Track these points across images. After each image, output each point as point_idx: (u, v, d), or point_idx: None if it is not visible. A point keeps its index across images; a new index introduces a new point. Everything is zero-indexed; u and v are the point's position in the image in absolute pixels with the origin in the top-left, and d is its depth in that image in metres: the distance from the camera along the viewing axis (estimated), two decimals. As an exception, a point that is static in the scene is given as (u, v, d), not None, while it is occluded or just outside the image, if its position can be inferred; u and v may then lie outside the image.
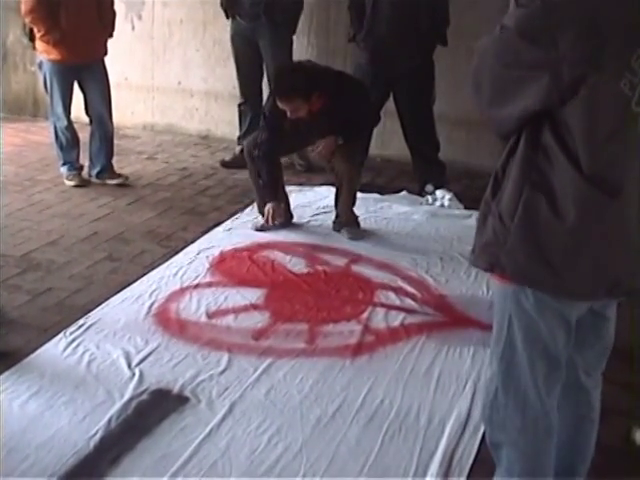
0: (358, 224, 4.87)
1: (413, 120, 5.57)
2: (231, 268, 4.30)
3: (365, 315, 3.81)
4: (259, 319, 3.74)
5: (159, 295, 3.93)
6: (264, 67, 5.99)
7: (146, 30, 7.08)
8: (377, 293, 4.05)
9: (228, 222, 5.00)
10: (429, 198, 5.47)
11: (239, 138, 6.23)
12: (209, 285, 4.08)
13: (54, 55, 5.31)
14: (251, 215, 5.05)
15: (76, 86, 5.55)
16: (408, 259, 4.47)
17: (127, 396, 3.06)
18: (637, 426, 2.93)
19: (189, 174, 6.06)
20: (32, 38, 5.40)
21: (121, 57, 6.57)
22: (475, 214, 2.10)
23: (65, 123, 5.52)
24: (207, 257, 4.41)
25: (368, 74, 5.34)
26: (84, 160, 5.74)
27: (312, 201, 5.37)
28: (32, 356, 3.34)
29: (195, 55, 6.98)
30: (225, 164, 6.22)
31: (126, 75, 7.09)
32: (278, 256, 4.47)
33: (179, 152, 6.68)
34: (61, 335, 3.51)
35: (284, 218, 4.83)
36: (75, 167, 5.68)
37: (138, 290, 3.99)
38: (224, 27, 6.15)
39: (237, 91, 6.23)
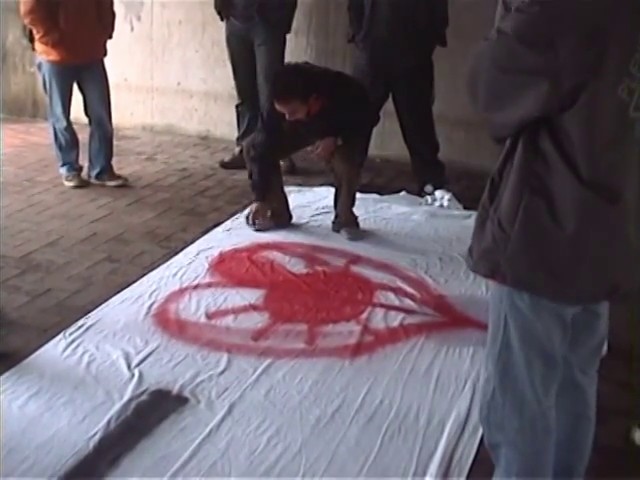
0: (357, 224, 4.87)
1: (412, 120, 5.57)
2: (230, 269, 4.31)
3: (364, 315, 3.81)
4: (258, 319, 3.74)
5: (158, 296, 3.93)
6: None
7: (145, 31, 7.08)
8: (376, 293, 4.05)
9: (227, 223, 5.00)
10: (428, 198, 5.48)
11: (238, 139, 6.24)
12: (208, 286, 4.08)
13: (53, 56, 5.31)
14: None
15: (75, 87, 5.55)
16: (407, 259, 4.47)
17: (126, 397, 3.06)
18: (637, 426, 2.93)
19: (188, 175, 6.06)
20: (31, 39, 5.40)
21: (120, 58, 6.57)
22: (474, 214, 2.10)
23: (64, 124, 5.52)
24: (206, 258, 4.41)
25: (367, 75, 5.34)
26: (83, 161, 5.73)
27: (311, 201, 5.37)
28: (32, 357, 3.35)
29: (194, 56, 6.98)
30: (224, 165, 6.22)
31: (125, 76, 7.09)
32: (277, 256, 4.47)
33: (178, 153, 6.68)
34: (61, 336, 3.51)
35: (267, 221, 4.80)
36: (74, 168, 5.68)
37: (138, 291, 3.99)
38: (223, 28, 6.15)
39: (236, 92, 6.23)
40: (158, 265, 4.32)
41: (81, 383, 3.16)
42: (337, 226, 4.87)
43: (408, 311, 3.87)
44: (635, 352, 3.44)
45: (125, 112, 7.04)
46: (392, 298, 4.00)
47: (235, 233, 4.81)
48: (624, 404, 3.10)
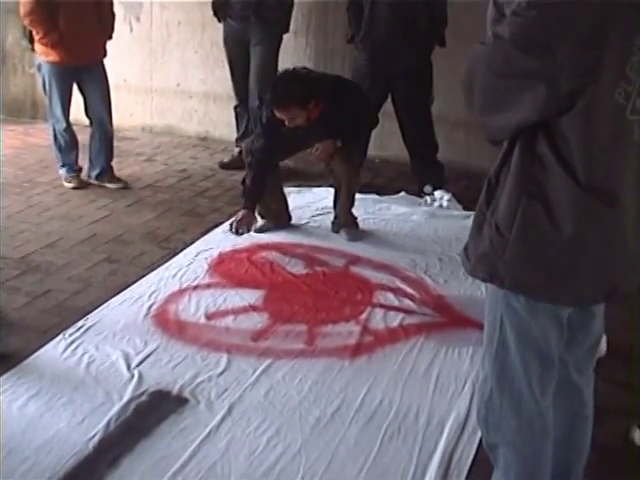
0: (357, 225, 4.87)
1: (412, 121, 5.57)
2: (230, 269, 4.31)
3: (364, 316, 3.81)
4: (258, 320, 3.74)
5: (158, 296, 3.94)
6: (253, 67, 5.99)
7: (144, 32, 7.08)
8: (376, 294, 4.05)
9: (227, 223, 4.98)
10: (428, 199, 5.48)
11: (237, 140, 6.24)
12: (208, 286, 4.08)
13: (53, 57, 5.31)
14: (250, 216, 5.05)
15: (75, 88, 5.55)
16: (407, 260, 4.48)
17: (126, 397, 3.06)
18: (636, 426, 2.93)
19: (188, 176, 6.07)
20: (31, 40, 5.40)
21: (119, 59, 6.57)
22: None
23: (64, 125, 5.52)
24: (206, 258, 4.42)
25: (366, 75, 5.35)
26: (83, 162, 5.74)
27: (311, 202, 5.37)
28: (31, 358, 3.35)
29: (194, 57, 6.99)
30: (224, 165, 6.22)
31: (125, 77, 7.09)
32: (277, 257, 4.47)
33: (178, 154, 6.68)
34: (60, 337, 3.51)
35: (251, 229, 4.75)
36: (74, 169, 5.68)
37: (137, 292, 3.99)
38: (222, 29, 6.15)
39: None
40: (158, 266, 4.32)
41: (81, 384, 3.16)
42: (336, 227, 4.87)
43: (407, 311, 3.87)
44: (635, 352, 3.44)
45: (124, 113, 7.04)
46: (391, 298, 4.01)
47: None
48: (623, 404, 3.10)
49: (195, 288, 4.05)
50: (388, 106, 5.54)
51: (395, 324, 3.74)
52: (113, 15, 5.59)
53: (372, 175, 6.00)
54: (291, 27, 6.24)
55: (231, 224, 4.73)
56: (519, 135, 1.90)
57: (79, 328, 3.59)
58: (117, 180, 5.71)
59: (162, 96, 7.23)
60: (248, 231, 4.70)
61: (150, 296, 3.93)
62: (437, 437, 2.89)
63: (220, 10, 5.95)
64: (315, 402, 3.09)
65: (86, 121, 5.69)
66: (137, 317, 3.73)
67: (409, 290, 4.10)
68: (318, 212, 5.20)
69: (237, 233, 4.67)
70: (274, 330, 3.65)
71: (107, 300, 3.89)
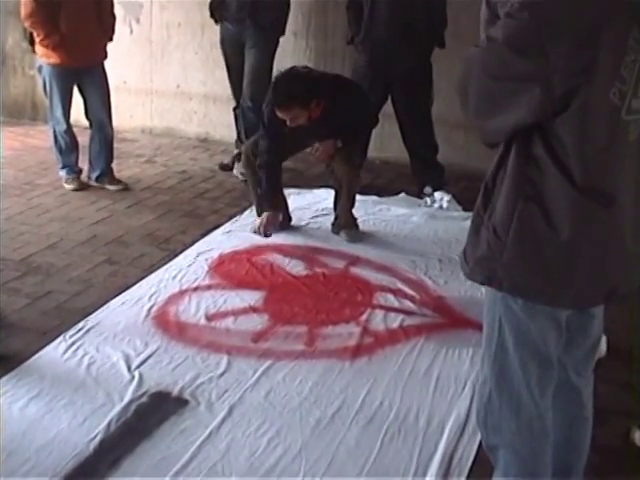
0: (357, 226, 4.87)
1: (411, 122, 5.57)
2: (230, 271, 4.31)
3: (364, 317, 3.81)
4: (258, 321, 3.74)
5: (158, 298, 3.94)
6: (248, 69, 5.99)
7: (144, 33, 7.08)
8: (376, 295, 4.06)
9: (227, 225, 5.00)
10: (428, 200, 5.48)
11: (236, 141, 6.24)
12: (208, 288, 4.09)
13: (54, 59, 5.32)
14: (250, 218, 5.05)
15: (76, 90, 5.55)
16: (407, 261, 4.48)
17: (127, 399, 3.06)
18: (636, 427, 2.93)
19: (188, 177, 6.07)
20: (32, 42, 5.40)
21: (119, 60, 6.56)
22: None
23: (64, 127, 5.53)
24: (206, 260, 4.42)
25: (366, 76, 5.35)
26: (83, 164, 5.74)
27: (311, 203, 5.38)
28: (32, 359, 3.35)
29: (194, 58, 6.99)
30: (224, 167, 6.22)
31: (125, 78, 7.09)
32: (277, 258, 4.48)
33: (178, 155, 6.69)
34: (61, 338, 3.51)
35: (277, 228, 4.79)
36: (74, 171, 5.69)
37: (137, 293, 3.99)
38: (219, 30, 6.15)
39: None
40: (158, 267, 4.32)
41: (81, 385, 3.17)
42: (337, 228, 4.87)
43: (408, 312, 3.87)
44: (635, 353, 3.45)
45: (124, 115, 7.04)
46: (392, 300, 4.01)
47: (235, 235, 4.82)
48: (624, 404, 3.10)
49: (195, 289, 4.05)
50: (388, 107, 5.54)
51: (395, 325, 3.74)
52: (114, 17, 5.59)
53: (372, 176, 6.00)
54: (291, 28, 6.24)
55: (257, 228, 4.74)
56: (515, 137, 1.89)
57: (79, 329, 3.59)
58: (117, 182, 5.71)
59: (162, 98, 7.23)
60: (276, 231, 4.74)
61: (150, 297, 3.94)
62: (437, 438, 2.89)
63: (217, 12, 5.94)
64: (315, 403, 3.10)
65: (86, 123, 5.69)
66: (137, 318, 3.73)
67: (409, 291, 4.10)
68: (318, 213, 5.20)
69: (265, 235, 4.70)
70: (274, 331, 3.65)
71: (107, 301, 3.89)
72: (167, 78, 7.15)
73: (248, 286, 4.12)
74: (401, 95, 5.49)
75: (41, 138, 6.68)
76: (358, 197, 4.94)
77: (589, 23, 1.73)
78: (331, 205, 4.97)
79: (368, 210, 5.22)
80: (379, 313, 3.85)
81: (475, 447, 2.81)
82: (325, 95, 4.41)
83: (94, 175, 5.71)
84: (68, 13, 5.21)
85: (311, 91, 4.36)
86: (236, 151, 6.13)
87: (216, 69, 6.80)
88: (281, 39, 6.03)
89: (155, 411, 3.01)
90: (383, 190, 5.69)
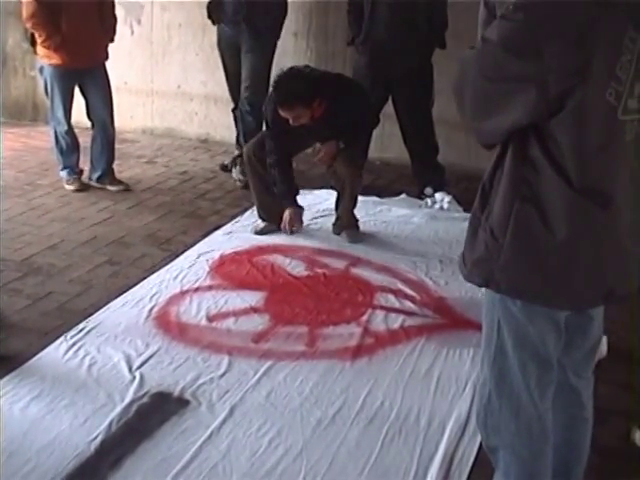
0: (358, 227, 4.87)
1: (412, 123, 5.57)
2: (231, 271, 4.31)
3: (365, 317, 3.82)
4: (259, 322, 3.74)
5: (159, 298, 3.94)
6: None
7: (145, 34, 7.09)
8: (377, 296, 4.06)
9: (228, 225, 5.01)
10: (428, 201, 5.48)
11: (237, 142, 6.25)
12: (209, 288, 4.09)
13: (55, 60, 5.32)
14: (251, 219, 5.06)
15: (77, 91, 5.55)
16: (407, 262, 4.48)
17: (128, 399, 3.07)
18: (637, 427, 2.94)
19: (189, 178, 6.07)
20: (33, 43, 5.40)
21: (120, 61, 6.57)
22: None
23: (65, 128, 5.53)
24: (207, 260, 4.42)
25: (367, 77, 5.35)
26: (84, 164, 5.75)
27: (311, 204, 5.37)
28: (33, 360, 3.35)
29: (194, 59, 6.99)
30: (224, 168, 6.23)
31: (125, 79, 7.10)
32: (278, 259, 4.48)
33: (179, 156, 6.69)
34: (62, 339, 3.52)
35: (302, 224, 4.83)
36: (75, 171, 5.69)
37: (138, 294, 4.00)
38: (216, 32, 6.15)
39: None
40: (159, 268, 4.33)
41: (82, 386, 3.17)
42: (338, 228, 4.87)
43: (408, 313, 3.87)
44: (635, 354, 3.44)
45: (125, 115, 7.04)
46: (392, 300, 4.01)
47: (235, 236, 4.82)
48: (624, 405, 3.10)
49: (196, 290, 4.05)
50: (389, 108, 5.55)
51: (396, 326, 3.75)
52: (115, 18, 5.60)
53: (373, 177, 6.00)
54: (292, 29, 6.26)
55: (283, 227, 4.76)
56: (511, 138, 1.89)
57: (80, 330, 3.60)
58: (118, 182, 5.72)
59: (163, 98, 7.24)
60: (301, 227, 4.78)
61: (151, 298, 3.94)
62: (438, 438, 2.90)
63: (214, 13, 5.93)
64: (316, 403, 3.10)
65: (87, 123, 5.70)
66: (138, 319, 3.73)
67: (410, 292, 4.10)
68: (319, 214, 5.20)
69: (291, 232, 4.74)
70: (275, 332, 3.65)
71: (108, 302, 3.90)
72: (168, 79, 7.16)
73: (249, 287, 4.12)
74: (402, 96, 5.49)
75: (42, 139, 6.68)
76: (359, 198, 4.94)
77: (583, 23, 1.73)
78: (331, 206, 4.97)
79: (369, 211, 5.23)
80: (380, 314, 3.86)
81: (476, 448, 2.81)
82: (327, 94, 4.42)
83: (95, 176, 5.71)
84: (70, 14, 5.22)
85: (313, 90, 4.36)
86: (236, 152, 6.14)
87: (217, 70, 6.79)
88: (282, 40, 6.03)
89: (156, 411, 3.01)
90: (384, 191, 5.69)
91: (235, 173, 5.95)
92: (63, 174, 5.69)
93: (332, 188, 5.13)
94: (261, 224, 4.87)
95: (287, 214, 4.74)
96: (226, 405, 3.06)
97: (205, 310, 3.83)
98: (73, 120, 5.61)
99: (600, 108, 1.79)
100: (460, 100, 1.93)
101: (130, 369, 3.29)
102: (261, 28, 5.75)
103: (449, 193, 5.49)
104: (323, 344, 3.57)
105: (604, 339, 3.30)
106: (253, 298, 3.98)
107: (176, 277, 4.20)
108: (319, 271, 4.35)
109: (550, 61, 1.72)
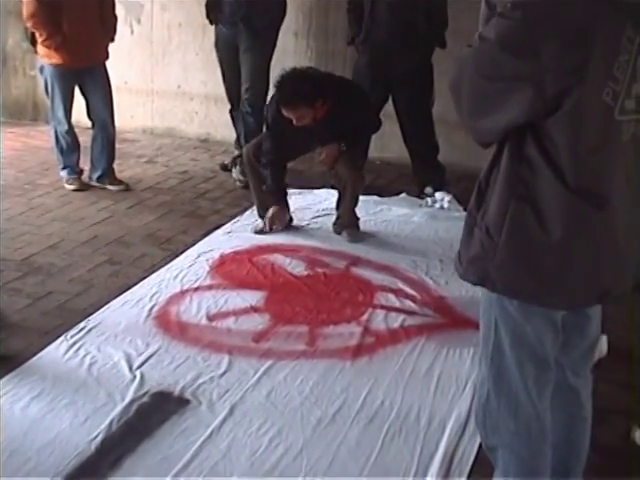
0: (358, 226, 4.87)
1: (412, 122, 5.57)
2: (231, 271, 4.31)
3: (365, 317, 3.82)
4: (259, 321, 3.74)
5: (159, 298, 3.94)
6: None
7: (145, 34, 7.09)
8: (377, 295, 4.06)
9: (228, 225, 5.01)
10: (429, 200, 5.48)
11: (236, 142, 6.24)
12: (209, 288, 4.09)
13: (56, 59, 5.32)
14: (251, 218, 5.06)
15: (77, 91, 5.56)
16: (408, 261, 4.48)
17: (128, 398, 3.07)
18: (637, 426, 2.94)
19: (189, 177, 6.07)
20: (33, 42, 5.40)
21: (120, 61, 6.57)
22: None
23: (66, 127, 5.53)
24: (207, 260, 4.42)
25: (367, 77, 5.36)
26: (84, 164, 5.75)
27: (312, 204, 5.38)
28: (33, 359, 3.35)
29: (194, 59, 6.99)
30: (224, 167, 6.23)
31: (125, 79, 7.09)
32: (278, 259, 4.48)
33: (179, 155, 6.69)
34: (62, 338, 3.52)
35: (285, 224, 4.84)
36: (75, 171, 5.69)
37: (139, 293, 4.00)
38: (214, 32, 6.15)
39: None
40: (159, 267, 4.33)
41: (83, 385, 3.17)
42: (338, 227, 4.87)
43: (409, 312, 3.87)
44: (635, 353, 3.44)
45: (125, 115, 7.04)
46: (393, 299, 4.01)
47: (236, 235, 4.82)
48: (624, 404, 3.10)
49: (196, 289, 4.05)
50: (389, 108, 5.55)
51: (396, 325, 3.75)
52: (115, 17, 5.60)
53: (373, 176, 5.99)
54: (292, 28, 6.26)
55: (264, 223, 4.77)
56: (508, 137, 1.89)
57: (81, 329, 3.60)
58: (118, 182, 5.71)
59: (163, 98, 7.24)
60: (282, 226, 4.77)
61: (151, 297, 3.94)
62: (438, 437, 2.90)
63: (212, 14, 5.91)
64: (316, 403, 3.10)
65: (87, 123, 5.70)
66: (139, 318, 3.73)
67: (410, 291, 4.10)
68: (319, 213, 5.20)
69: (271, 230, 4.74)
70: (275, 331, 3.65)
71: (108, 302, 3.90)
72: (168, 78, 7.16)
73: (249, 286, 4.12)
74: (402, 95, 5.49)
75: (42, 138, 6.68)
76: (359, 197, 4.94)
77: (581, 22, 1.73)
78: (331, 205, 4.97)
79: (369, 210, 5.23)
80: (380, 313, 3.86)
81: (476, 447, 2.81)
82: (330, 95, 4.42)
83: (95, 175, 5.71)
84: (70, 13, 5.22)
85: (316, 90, 4.38)
86: (236, 152, 6.14)
87: (217, 70, 6.76)
88: (282, 39, 6.03)
89: (156, 411, 3.01)
90: (384, 190, 5.69)
91: (235, 173, 5.95)
92: (63, 174, 5.69)
93: (332, 187, 5.13)
94: (261, 224, 4.87)
95: (271, 211, 4.76)
96: (226, 404, 3.06)
97: (205, 309, 3.83)
98: (73, 120, 5.61)
99: (597, 108, 1.79)
100: (457, 98, 1.94)
101: (130, 368, 3.29)
102: (259, 28, 5.73)
103: (449, 192, 5.48)
104: (323, 343, 3.57)
105: (604, 338, 3.31)
106: (253, 297, 3.98)
107: (176, 276, 4.20)
108: (319, 270, 4.35)
109: (547, 60, 1.72)
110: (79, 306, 3.86)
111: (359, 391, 3.18)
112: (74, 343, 3.48)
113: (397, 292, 4.09)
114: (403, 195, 5.59)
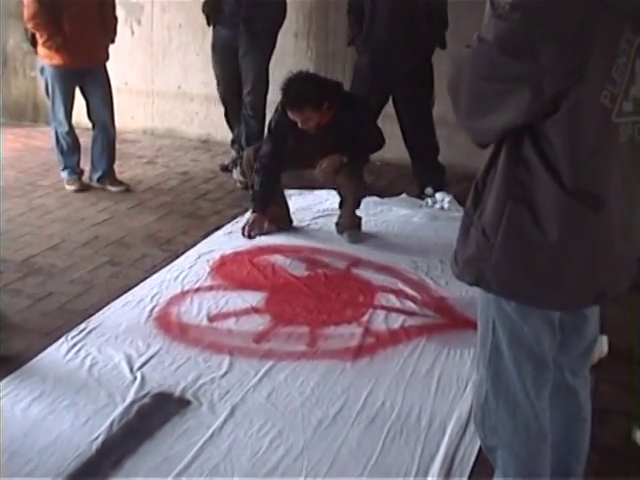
0: (360, 227, 4.87)
1: (412, 123, 5.57)
2: (232, 271, 4.32)
3: (365, 318, 3.82)
4: (260, 322, 3.75)
5: (160, 299, 3.94)
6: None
7: (145, 35, 7.09)
8: (377, 296, 4.06)
9: (228, 226, 5.01)
10: (429, 201, 5.49)
11: (232, 143, 6.24)
12: (210, 289, 4.09)
13: (56, 60, 5.32)
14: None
15: (77, 91, 5.56)
16: (408, 261, 4.48)
17: (129, 400, 3.07)
18: (637, 426, 2.94)
19: (189, 178, 6.08)
20: (34, 43, 5.40)
21: (121, 62, 6.57)
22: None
23: (66, 128, 5.53)
24: (208, 261, 4.42)
25: (367, 77, 5.36)
26: (84, 165, 5.75)
27: (312, 204, 5.38)
28: (34, 360, 3.35)
29: (195, 59, 6.99)
30: (225, 168, 6.23)
31: (126, 80, 7.10)
32: (278, 259, 4.48)
33: (179, 156, 6.69)
34: (63, 339, 3.52)
35: (263, 232, 4.73)
36: (75, 172, 5.69)
37: (139, 294, 4.00)
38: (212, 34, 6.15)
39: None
40: (159, 268, 4.33)
41: (83, 386, 3.17)
42: (340, 228, 4.88)
43: (409, 313, 3.88)
44: (636, 353, 3.45)
45: (126, 116, 7.04)
46: (393, 300, 4.01)
47: (236, 236, 4.81)
48: (625, 405, 3.11)
49: (197, 290, 4.06)
50: (389, 108, 5.55)
51: (397, 326, 3.75)
52: (116, 18, 5.60)
53: (373, 177, 6.00)
54: (292, 29, 6.26)
55: (243, 228, 4.69)
56: (505, 138, 1.89)
57: (81, 331, 3.60)
58: (119, 183, 5.72)
59: (163, 99, 7.24)
60: (260, 234, 4.67)
61: (152, 298, 3.94)
62: (439, 438, 2.90)
63: (211, 14, 5.88)
64: (317, 404, 3.10)
65: (88, 124, 5.70)
66: (139, 319, 3.73)
67: (410, 292, 4.11)
68: (319, 214, 5.21)
69: (249, 237, 4.64)
70: (276, 332, 3.66)
71: (109, 303, 3.90)
72: (168, 79, 7.16)
73: (250, 287, 4.12)
74: (402, 96, 5.49)
75: (42, 139, 6.69)
76: (360, 197, 4.94)
77: (580, 24, 1.72)
78: (332, 206, 4.99)
79: (369, 211, 5.23)
80: (380, 314, 3.86)
81: (477, 447, 2.81)
82: (336, 100, 4.43)
83: (96, 176, 5.72)
84: (71, 14, 5.22)
85: (323, 93, 4.39)
86: (234, 154, 6.14)
87: (217, 70, 6.81)
88: (282, 40, 6.03)
89: (157, 412, 3.01)
90: (384, 191, 5.69)
91: (235, 174, 5.95)
92: (64, 175, 5.69)
93: (332, 188, 5.12)
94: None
95: (251, 217, 4.68)
96: (227, 405, 3.06)
97: (206, 310, 3.83)
98: (74, 121, 5.61)
99: (595, 110, 1.78)
100: (455, 98, 1.94)
101: (131, 369, 3.29)
102: (259, 30, 5.73)
103: (449, 193, 5.49)
104: (324, 344, 3.57)
105: (604, 338, 3.31)
106: (254, 298, 3.98)
107: (177, 277, 4.20)
108: (320, 271, 4.35)
109: (545, 62, 1.72)
110: (80, 307, 3.87)
111: (360, 392, 3.19)
112: (75, 344, 3.48)
113: (397, 293, 4.09)
114: (403, 196, 5.59)
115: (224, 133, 6.88)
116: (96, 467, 2.69)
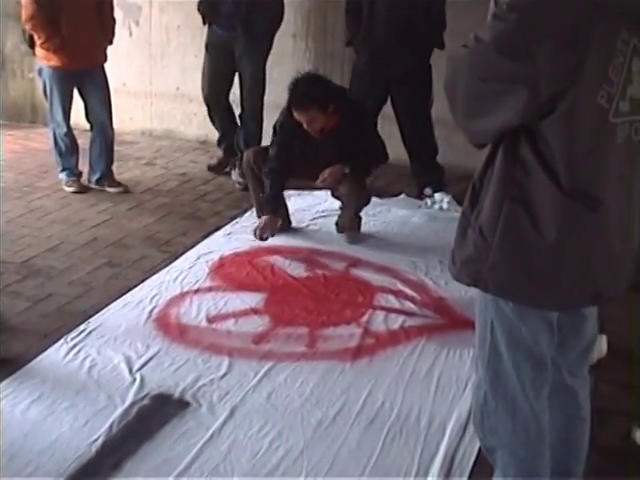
0: (359, 228, 4.86)
1: (411, 123, 5.57)
2: (231, 273, 4.31)
3: (365, 318, 3.82)
4: (259, 323, 3.74)
5: (159, 300, 3.94)
6: (236, 78, 5.96)
7: (144, 36, 7.09)
8: (377, 296, 4.06)
9: (227, 227, 5.01)
10: (428, 201, 5.49)
11: (218, 142, 6.25)
12: (209, 290, 4.09)
13: (54, 62, 5.32)
14: (250, 220, 5.05)
15: (76, 93, 5.56)
16: (407, 262, 4.48)
17: (128, 401, 3.07)
18: (637, 426, 2.94)
19: (188, 179, 6.07)
20: (32, 44, 5.40)
21: (119, 63, 6.56)
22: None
23: (65, 130, 5.53)
24: (207, 262, 4.42)
25: (366, 77, 5.36)
26: (83, 166, 5.75)
27: (311, 205, 5.38)
28: (33, 362, 3.35)
29: (193, 60, 6.97)
30: (211, 168, 6.21)
31: (124, 81, 7.09)
32: (278, 260, 4.48)
33: (178, 157, 6.69)
34: (62, 341, 3.52)
35: (275, 233, 4.70)
36: (74, 173, 5.69)
37: (138, 295, 4.00)
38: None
39: (235, 97, 6.17)
40: (159, 270, 4.33)
41: (83, 388, 3.17)
42: (340, 228, 4.88)
43: (408, 313, 3.88)
44: (635, 353, 3.45)
45: (124, 117, 7.04)
46: (392, 301, 4.01)
47: (235, 237, 4.82)
48: (625, 405, 3.11)
49: (196, 291, 4.06)
50: (388, 109, 5.55)
51: (396, 326, 3.75)
52: (114, 20, 5.60)
53: (372, 178, 5.96)
54: (290, 29, 6.26)
55: (255, 230, 4.65)
56: (502, 139, 1.90)
57: (81, 332, 3.60)
58: (117, 184, 5.72)
59: (162, 100, 7.24)
60: (272, 235, 4.65)
61: (151, 300, 3.94)
62: (439, 438, 2.90)
63: (208, 14, 5.85)
64: (317, 404, 3.10)
65: (86, 125, 5.70)
66: (138, 321, 3.73)
67: (410, 292, 4.11)
68: (318, 215, 5.21)
69: (262, 239, 4.61)
70: (275, 333, 3.66)
71: (108, 304, 3.90)
72: (167, 80, 7.16)
73: (249, 288, 4.12)
74: (401, 96, 5.49)
75: (41, 141, 6.68)
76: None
77: (577, 25, 1.72)
78: (331, 206, 4.99)
79: (368, 211, 5.21)
80: (380, 314, 3.86)
81: (476, 447, 2.81)
82: (341, 103, 4.43)
83: (94, 178, 5.72)
84: (69, 16, 5.22)
85: (329, 94, 4.40)
86: (220, 154, 6.14)
87: (216, 71, 6.81)
88: (280, 40, 6.03)
89: (157, 413, 3.01)
90: (383, 191, 5.68)
91: (234, 175, 5.95)
92: (62, 176, 5.69)
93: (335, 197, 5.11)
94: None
95: (263, 219, 4.65)
96: (227, 406, 3.06)
97: (205, 311, 3.83)
98: (72, 122, 5.61)
99: (591, 110, 1.79)
100: (452, 98, 1.94)
101: (130, 371, 3.29)
102: (257, 32, 5.71)
103: (448, 193, 5.49)
104: (323, 345, 3.57)
105: (604, 338, 3.31)
106: (253, 299, 3.98)
107: (176, 279, 4.20)
108: (319, 272, 4.35)
109: (542, 62, 1.72)
110: (79, 308, 3.86)
111: (359, 392, 3.18)
112: (74, 346, 3.48)
113: (397, 293, 4.09)
114: (402, 196, 5.60)
115: (223, 134, 6.90)
116: (96, 469, 2.69)
